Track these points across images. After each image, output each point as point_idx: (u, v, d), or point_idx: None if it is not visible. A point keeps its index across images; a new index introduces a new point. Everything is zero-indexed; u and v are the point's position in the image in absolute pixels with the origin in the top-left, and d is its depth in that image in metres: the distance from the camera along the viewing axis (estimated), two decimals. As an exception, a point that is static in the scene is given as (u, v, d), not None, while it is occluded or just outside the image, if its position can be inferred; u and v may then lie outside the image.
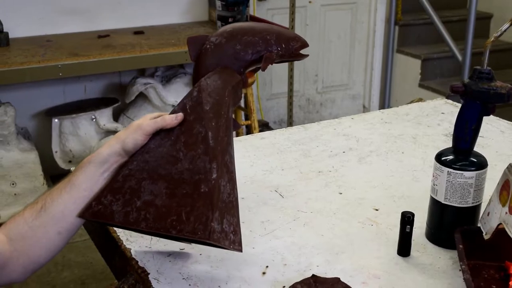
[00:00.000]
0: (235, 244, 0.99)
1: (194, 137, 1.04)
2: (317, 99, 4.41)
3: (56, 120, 3.22)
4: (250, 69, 1.20)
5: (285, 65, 3.65)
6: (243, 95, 3.00)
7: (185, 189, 1.00)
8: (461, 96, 1.06)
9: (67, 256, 2.73)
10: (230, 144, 1.08)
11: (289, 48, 1.19)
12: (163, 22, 3.58)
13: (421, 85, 4.19)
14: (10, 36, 3.11)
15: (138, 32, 3.36)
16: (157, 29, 3.47)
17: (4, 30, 3.07)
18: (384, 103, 4.46)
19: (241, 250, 1.00)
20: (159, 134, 1.05)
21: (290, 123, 3.68)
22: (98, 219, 1.02)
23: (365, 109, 4.55)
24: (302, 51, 1.22)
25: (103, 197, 1.02)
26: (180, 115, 1.06)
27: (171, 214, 0.99)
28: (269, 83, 4.15)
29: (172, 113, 1.07)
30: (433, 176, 1.10)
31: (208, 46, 1.17)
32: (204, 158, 1.02)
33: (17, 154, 3.04)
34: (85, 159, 1.05)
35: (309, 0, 4.04)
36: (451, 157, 1.08)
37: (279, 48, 1.18)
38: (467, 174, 1.05)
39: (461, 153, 1.08)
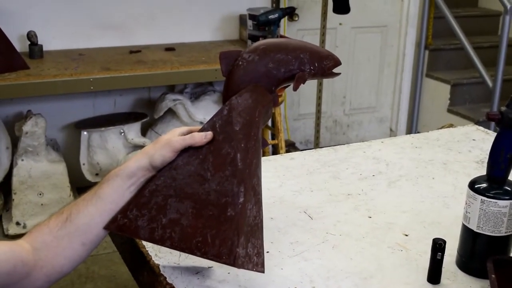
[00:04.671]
0: (258, 266, 1.00)
1: (222, 158, 1.04)
2: (344, 121, 4.40)
3: (85, 132, 3.25)
4: (281, 86, 1.20)
5: (314, 86, 3.65)
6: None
7: (212, 210, 1.00)
8: (497, 124, 1.05)
9: (90, 268, 2.74)
10: (258, 166, 1.07)
11: (322, 67, 1.18)
12: (195, 40, 3.62)
13: (449, 111, 4.16)
14: (44, 48, 3.16)
15: (170, 48, 3.39)
16: (188, 46, 3.50)
17: (39, 43, 3.12)
18: (412, 127, 4.43)
19: (263, 271, 1.00)
20: (188, 151, 1.05)
21: (316, 144, 3.68)
22: (123, 232, 1.03)
23: (392, 132, 4.53)
24: (335, 70, 1.21)
25: (129, 211, 1.03)
26: (209, 134, 1.06)
27: (197, 235, 0.99)
28: (297, 104, 4.15)
29: (201, 130, 1.07)
30: (466, 203, 1.09)
31: (240, 63, 1.16)
32: (232, 181, 1.01)
33: (46, 165, 3.07)
34: (111, 171, 1.05)
35: (340, 22, 4.04)
36: (485, 185, 1.07)
37: (311, 67, 1.17)
38: (501, 203, 1.04)
39: (496, 181, 1.06)
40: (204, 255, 0.98)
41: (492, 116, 1.04)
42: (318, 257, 1.15)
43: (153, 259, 1.12)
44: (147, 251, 1.15)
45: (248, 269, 0.97)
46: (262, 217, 1.06)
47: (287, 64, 1.16)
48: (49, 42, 3.24)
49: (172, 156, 1.04)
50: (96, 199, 1.03)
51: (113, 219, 1.03)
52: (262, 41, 1.21)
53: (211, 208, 1.00)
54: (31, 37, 3.09)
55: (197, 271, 1.09)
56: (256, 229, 1.03)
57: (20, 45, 3.13)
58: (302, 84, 1.17)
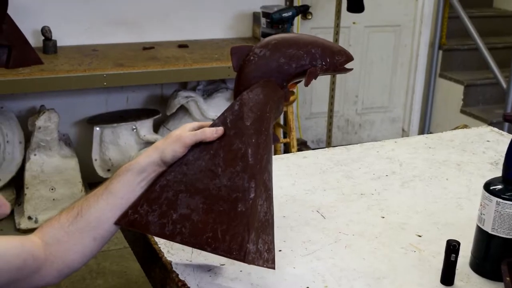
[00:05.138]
0: (269, 262, 0.99)
1: (233, 153, 1.03)
2: (356, 120, 4.39)
3: (97, 128, 3.26)
4: (293, 82, 1.19)
5: (326, 85, 3.65)
6: (283, 112, 3.01)
7: (222, 206, 1.00)
8: (514, 125, 1.04)
9: (102, 264, 2.75)
10: (269, 162, 1.07)
11: (334, 62, 1.17)
12: (208, 37, 3.62)
13: (463, 111, 4.14)
14: (58, 44, 3.17)
15: (183, 45, 3.40)
16: (201, 43, 3.51)
17: (53, 38, 3.13)
18: (424, 128, 4.42)
19: (274, 268, 0.99)
20: (198, 146, 1.05)
21: (328, 143, 3.67)
22: (133, 228, 1.03)
23: (404, 132, 4.51)
24: (347, 65, 1.20)
25: (139, 206, 1.03)
26: (220, 129, 1.06)
27: (207, 231, 0.99)
28: (309, 102, 4.14)
29: (212, 125, 1.07)
30: (481, 205, 1.08)
31: (251, 58, 1.16)
32: (243, 176, 1.01)
33: (58, 160, 3.08)
34: (122, 167, 1.05)
35: (353, 21, 4.03)
36: (500, 186, 1.06)
37: (323, 63, 1.16)
38: (516, 205, 1.03)
39: (511, 183, 1.05)
40: (214, 250, 0.98)
41: (509, 117, 1.03)
42: (331, 256, 1.14)
43: (165, 255, 1.12)
44: (160, 248, 1.15)
45: (258, 265, 0.97)
46: (273, 213, 1.06)
47: (299, 59, 1.15)
48: (63, 38, 3.25)
49: (183, 151, 1.04)
50: (107, 194, 1.03)
51: (124, 214, 1.03)
52: (273, 36, 1.20)
53: (221, 204, 1.00)
54: (45, 32, 3.10)
55: (209, 269, 1.09)
56: (266, 225, 1.02)
57: (34, 40, 3.14)
58: (314, 80, 1.16)
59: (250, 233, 0.96)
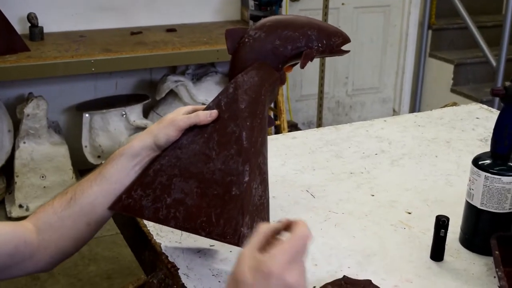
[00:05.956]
0: None
1: (227, 136, 1.02)
2: (346, 102, 4.38)
3: (86, 115, 3.25)
4: (288, 64, 1.18)
5: (316, 67, 3.63)
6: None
7: (216, 190, 0.99)
8: (501, 100, 1.03)
9: (94, 250, 2.75)
10: (264, 145, 1.06)
11: (330, 44, 1.15)
12: (196, 21, 3.60)
13: (453, 90, 4.14)
14: (45, 31, 3.15)
15: (171, 29, 3.38)
16: (189, 27, 3.48)
17: (39, 25, 3.10)
18: (415, 108, 4.42)
19: None
20: (192, 130, 1.04)
21: (319, 125, 3.67)
22: (127, 212, 1.02)
23: (395, 113, 4.51)
24: (343, 47, 1.19)
25: (133, 191, 1.02)
26: (214, 112, 1.04)
27: (201, 215, 0.98)
28: (299, 85, 4.13)
29: (206, 108, 1.06)
30: (469, 180, 1.08)
31: (246, 40, 1.14)
32: (237, 159, 1.00)
33: (48, 148, 3.07)
34: (116, 151, 1.04)
35: (342, 2, 4.01)
36: (488, 161, 1.06)
37: (319, 44, 1.14)
38: (505, 179, 1.03)
39: (499, 158, 1.05)
40: (208, 234, 0.97)
41: (497, 92, 1.03)
42: (321, 235, 1.14)
43: (154, 238, 1.12)
44: (149, 230, 1.14)
45: None
46: (268, 196, 1.05)
47: (294, 41, 1.13)
48: (50, 24, 3.22)
49: (177, 135, 1.03)
50: (101, 179, 1.02)
51: (118, 199, 1.02)
52: (268, 18, 1.18)
53: (215, 187, 0.99)
54: (31, 19, 3.07)
55: (198, 250, 1.08)
56: (261, 209, 1.02)
57: (20, 27, 3.12)
58: (310, 62, 1.15)
59: (244, 217, 0.96)
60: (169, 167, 1.03)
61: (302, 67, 1.14)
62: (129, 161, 1.03)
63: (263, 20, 1.17)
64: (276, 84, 1.13)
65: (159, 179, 1.02)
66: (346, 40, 1.18)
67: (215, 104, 1.06)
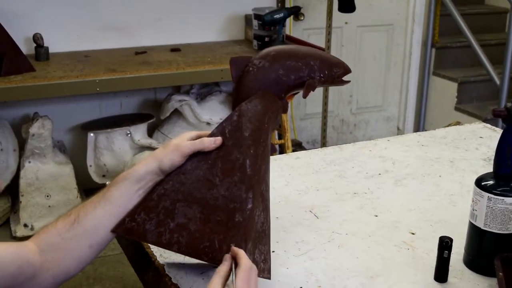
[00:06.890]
0: (265, 272, 1.00)
1: (231, 163, 1.04)
2: (351, 120, 4.39)
3: (91, 134, 3.25)
4: (291, 93, 1.20)
5: (320, 85, 3.64)
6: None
7: (220, 216, 1.00)
8: (503, 120, 1.04)
9: (98, 270, 2.74)
10: (267, 172, 1.07)
11: (332, 74, 1.18)
12: (200, 40, 3.62)
13: (457, 109, 4.14)
14: (50, 51, 3.17)
15: (175, 49, 3.39)
16: (193, 47, 3.50)
17: (45, 45, 3.12)
18: (419, 126, 4.42)
19: (269, 278, 1.00)
20: (197, 156, 1.05)
21: (323, 144, 3.67)
22: (130, 235, 1.03)
23: (399, 131, 4.51)
24: (344, 78, 1.21)
25: (136, 214, 1.03)
26: (218, 139, 1.06)
27: (204, 240, 0.99)
28: (303, 103, 4.14)
29: (211, 135, 1.07)
30: (473, 201, 1.08)
31: (250, 69, 1.16)
32: (241, 187, 1.01)
33: (53, 167, 3.07)
34: (120, 175, 1.05)
35: (346, 21, 4.03)
36: (491, 182, 1.06)
37: (321, 75, 1.17)
38: (508, 200, 1.03)
39: (502, 179, 1.05)
40: (211, 260, 0.98)
41: (498, 113, 1.03)
42: (324, 256, 1.14)
43: (158, 259, 1.12)
44: (152, 251, 1.15)
45: None
46: (270, 223, 1.06)
47: (297, 71, 1.16)
48: (55, 44, 3.25)
49: (181, 160, 1.04)
50: (104, 201, 1.03)
51: (121, 222, 1.03)
52: (272, 48, 1.21)
53: (219, 214, 1.00)
54: (37, 39, 3.10)
55: (202, 271, 1.08)
56: (263, 236, 1.03)
57: (26, 47, 3.14)
58: (312, 92, 1.17)
59: (247, 244, 0.97)
60: (173, 191, 1.04)
61: (305, 97, 1.16)
62: (133, 185, 1.04)
63: (267, 50, 1.19)
64: (279, 112, 1.15)
65: (162, 203, 1.03)
66: (347, 71, 1.20)
67: (219, 131, 1.07)
